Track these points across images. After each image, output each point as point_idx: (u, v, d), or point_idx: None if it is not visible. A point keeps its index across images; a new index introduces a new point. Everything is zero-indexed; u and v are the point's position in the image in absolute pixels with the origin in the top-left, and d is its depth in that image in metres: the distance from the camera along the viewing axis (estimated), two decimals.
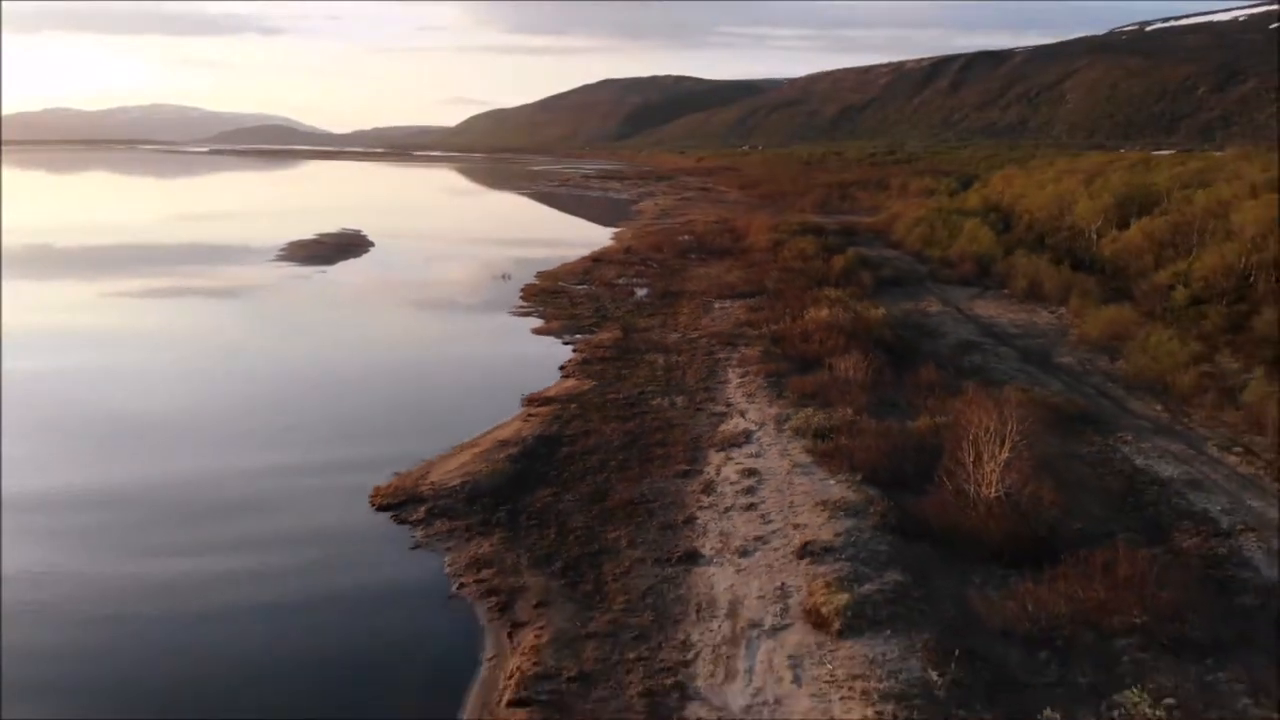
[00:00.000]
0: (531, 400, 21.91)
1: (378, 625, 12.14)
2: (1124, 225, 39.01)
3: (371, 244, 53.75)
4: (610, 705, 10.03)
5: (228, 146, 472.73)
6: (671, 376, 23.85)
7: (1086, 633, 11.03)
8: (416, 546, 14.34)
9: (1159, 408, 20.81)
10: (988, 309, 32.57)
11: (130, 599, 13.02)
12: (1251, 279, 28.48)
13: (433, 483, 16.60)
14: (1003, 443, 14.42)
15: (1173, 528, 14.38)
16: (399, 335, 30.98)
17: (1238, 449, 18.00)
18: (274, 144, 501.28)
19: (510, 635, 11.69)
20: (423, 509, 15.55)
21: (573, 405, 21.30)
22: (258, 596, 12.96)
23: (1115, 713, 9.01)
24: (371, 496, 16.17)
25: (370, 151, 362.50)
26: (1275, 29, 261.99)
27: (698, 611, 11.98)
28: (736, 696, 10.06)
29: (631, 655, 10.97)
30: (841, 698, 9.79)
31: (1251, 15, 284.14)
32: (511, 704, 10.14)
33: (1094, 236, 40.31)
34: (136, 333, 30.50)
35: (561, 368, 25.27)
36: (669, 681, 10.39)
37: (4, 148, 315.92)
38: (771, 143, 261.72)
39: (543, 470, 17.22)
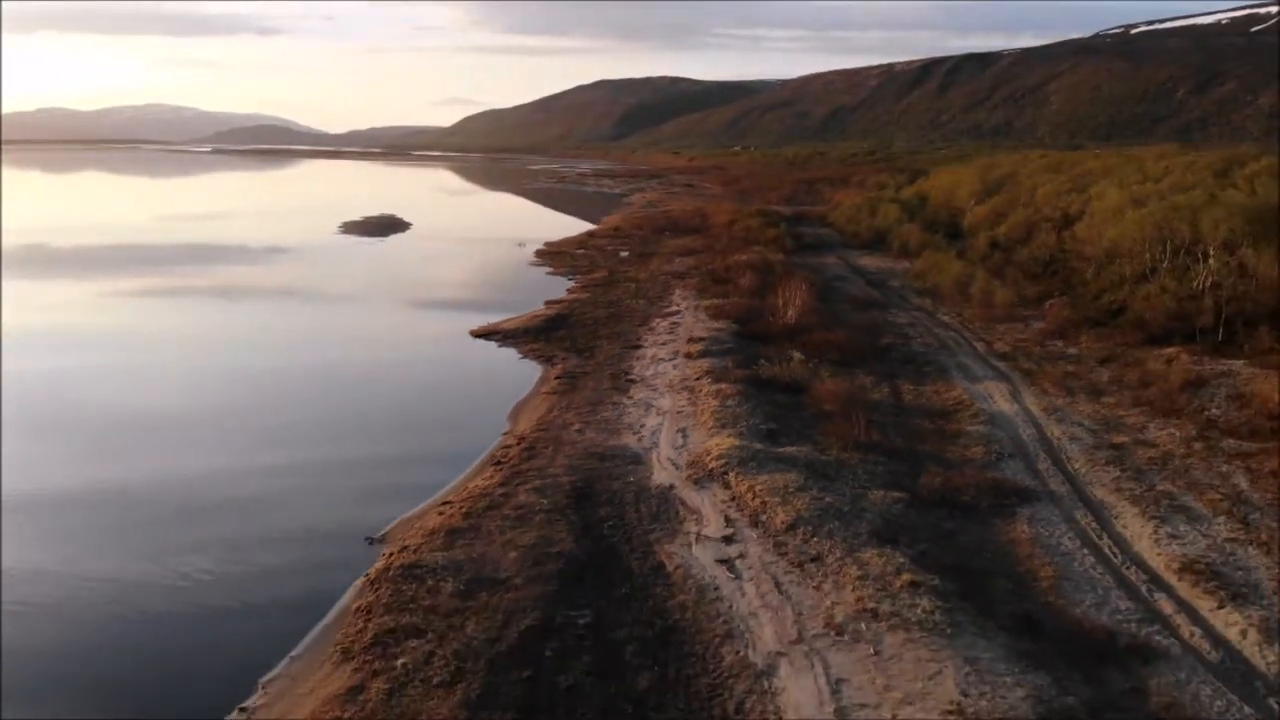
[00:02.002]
0: (550, 301, 36.99)
1: (492, 362, 27.39)
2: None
3: (409, 224, 69.02)
4: (596, 376, 25.07)
5: (228, 146, 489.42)
6: (639, 292, 38.88)
7: (807, 361, 25.96)
8: (501, 346, 29.50)
9: (929, 302, 35.86)
10: (867, 261, 47.69)
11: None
12: (1037, 232, 43.55)
13: (501, 328, 31.71)
14: (795, 299, 29.51)
15: (882, 335, 29.39)
16: (454, 273, 46.24)
17: (953, 314, 33.07)
18: (271, 144, 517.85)
19: (550, 366, 26.76)
20: (499, 336, 30.68)
21: (576, 303, 36.38)
22: (421, 374, 28.06)
23: (789, 362, 23.95)
24: (470, 332, 31.30)
25: (368, 151, 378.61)
26: (1256, 32, 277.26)
27: (636, 360, 27.00)
28: (647, 370, 25.15)
29: (606, 367, 26.04)
30: (689, 369, 24.81)
31: (1234, 18, 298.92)
32: (556, 379, 25.17)
33: (968, 213, 55.45)
34: (272, 296, 45.46)
35: (567, 289, 40.36)
36: (621, 370, 25.46)
37: (3, 148, 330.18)
38: (764, 143, 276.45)
39: (560, 325, 32.23)
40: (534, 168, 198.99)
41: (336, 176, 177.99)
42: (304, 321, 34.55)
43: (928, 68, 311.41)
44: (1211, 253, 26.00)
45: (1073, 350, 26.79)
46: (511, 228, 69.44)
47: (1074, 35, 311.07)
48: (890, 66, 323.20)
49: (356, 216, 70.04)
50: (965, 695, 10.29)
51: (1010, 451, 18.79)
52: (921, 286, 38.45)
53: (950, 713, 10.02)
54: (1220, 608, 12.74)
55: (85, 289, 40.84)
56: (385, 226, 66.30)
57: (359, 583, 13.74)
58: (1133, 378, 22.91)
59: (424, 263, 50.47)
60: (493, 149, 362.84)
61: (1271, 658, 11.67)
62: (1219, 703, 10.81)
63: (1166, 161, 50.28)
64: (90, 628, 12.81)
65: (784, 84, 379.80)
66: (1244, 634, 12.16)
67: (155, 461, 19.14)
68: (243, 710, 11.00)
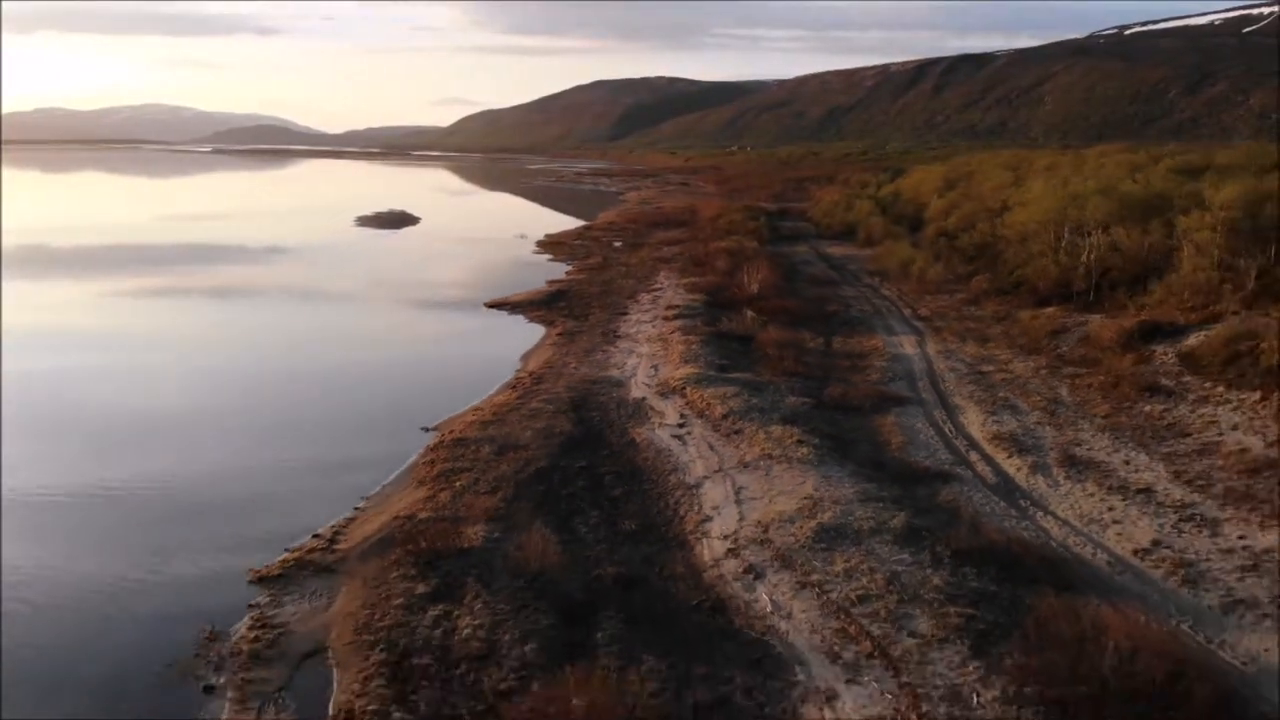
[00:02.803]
0: (550, 281, 43.44)
1: (504, 324, 33.86)
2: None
3: (418, 218, 75.51)
4: (589, 334, 31.48)
5: (228, 146, 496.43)
6: (629, 273, 45.33)
7: (759, 318, 32.31)
8: (511, 314, 35.95)
9: (877, 280, 42.26)
10: (835, 249, 54.12)
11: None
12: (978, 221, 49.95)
13: (510, 300, 38.16)
14: (756, 274, 35.93)
15: (829, 304, 35.78)
16: (465, 259, 52.76)
17: (894, 290, 39.45)
18: (270, 144, 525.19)
19: (552, 327, 33.18)
20: (509, 306, 37.15)
21: (573, 282, 42.82)
22: (448, 332, 34.51)
23: (744, 319, 30.32)
24: (485, 304, 37.75)
25: (368, 151, 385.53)
26: (1248, 33, 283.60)
27: (623, 323, 33.41)
28: (631, 329, 31.58)
29: (598, 327, 32.47)
30: (665, 327, 31.21)
31: (1227, 19, 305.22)
32: (557, 335, 31.59)
33: (930, 206, 61.85)
34: (314, 281, 51.86)
35: (565, 272, 46.80)
36: (609, 330, 31.88)
37: (2, 148, 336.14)
38: (761, 143, 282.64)
39: (560, 299, 38.65)
40: (532, 167, 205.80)
41: (339, 176, 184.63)
42: (345, 299, 40.89)
43: (923, 68, 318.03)
44: (1093, 232, 32.39)
45: (980, 312, 33.22)
46: (513, 223, 75.88)
47: (1072, 36, 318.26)
48: (886, 67, 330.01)
49: (368, 212, 76.44)
50: (816, 490, 16.68)
51: (901, 377, 25.20)
52: (874, 269, 44.87)
53: (805, 498, 16.40)
54: (1009, 457, 19.16)
55: (137, 285, 47.14)
56: (397, 221, 72.79)
57: (422, 449, 20.15)
58: (1015, 329, 29.34)
59: (437, 251, 57.15)
60: (491, 149, 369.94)
61: (1034, 482, 18.07)
62: (986, 503, 17.18)
63: (1105, 159, 56.78)
64: (259, 476, 19.14)
65: (781, 84, 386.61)
66: (1019, 470, 18.57)
67: (258, 402, 25.49)
68: (357, 509, 17.40)
